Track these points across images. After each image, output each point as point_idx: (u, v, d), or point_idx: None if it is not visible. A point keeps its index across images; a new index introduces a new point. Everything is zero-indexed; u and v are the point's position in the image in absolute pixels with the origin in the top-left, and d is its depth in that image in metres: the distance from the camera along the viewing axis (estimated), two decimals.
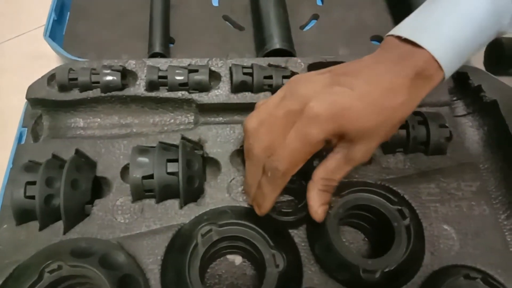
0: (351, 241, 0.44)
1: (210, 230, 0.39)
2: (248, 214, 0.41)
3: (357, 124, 0.34)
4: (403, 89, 0.34)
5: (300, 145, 0.35)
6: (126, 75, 0.51)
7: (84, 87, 0.49)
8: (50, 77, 0.50)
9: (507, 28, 0.37)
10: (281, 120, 0.36)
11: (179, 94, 0.50)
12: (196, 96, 0.49)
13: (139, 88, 0.50)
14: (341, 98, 0.34)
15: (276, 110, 0.36)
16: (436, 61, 0.34)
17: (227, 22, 0.66)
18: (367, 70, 0.35)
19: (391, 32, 0.37)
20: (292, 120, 0.35)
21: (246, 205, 0.43)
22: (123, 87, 0.50)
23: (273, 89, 0.49)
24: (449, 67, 0.35)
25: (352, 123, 0.34)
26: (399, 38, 0.36)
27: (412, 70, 0.34)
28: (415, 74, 0.34)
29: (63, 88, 0.49)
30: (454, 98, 0.53)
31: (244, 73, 0.49)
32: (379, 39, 0.64)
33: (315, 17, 0.66)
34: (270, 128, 0.36)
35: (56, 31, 0.61)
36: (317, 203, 0.38)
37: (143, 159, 0.42)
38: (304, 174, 0.43)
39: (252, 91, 0.49)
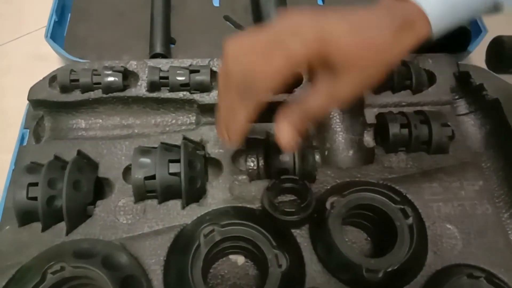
0: (354, 241, 0.44)
1: (212, 231, 0.38)
2: (251, 214, 0.42)
3: (340, 46, 0.33)
4: (388, 30, 0.34)
5: (280, 60, 0.33)
6: (128, 76, 0.51)
7: (86, 88, 0.49)
8: (52, 79, 0.50)
9: (503, 0, 0.38)
10: (263, 43, 0.34)
11: (181, 94, 0.50)
12: (198, 97, 0.49)
13: (140, 89, 0.50)
14: (327, 22, 0.33)
15: (260, 35, 0.34)
16: (425, 15, 0.35)
17: (228, 22, 0.66)
18: (354, 13, 0.35)
19: None
20: (274, 44, 0.33)
21: (248, 206, 0.43)
22: (124, 88, 0.50)
23: None
24: (438, 24, 0.35)
25: (335, 45, 0.33)
26: None
27: (400, 18, 0.34)
28: (402, 21, 0.34)
29: (64, 89, 0.49)
30: (456, 97, 0.52)
31: None
32: None
33: None
34: (251, 50, 0.34)
35: (57, 32, 0.61)
36: (286, 127, 0.35)
37: (145, 160, 0.42)
38: (306, 175, 0.43)
39: None
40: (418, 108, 0.49)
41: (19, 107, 0.51)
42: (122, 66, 0.50)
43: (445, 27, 0.36)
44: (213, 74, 0.50)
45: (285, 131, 0.36)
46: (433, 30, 0.35)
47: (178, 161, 0.42)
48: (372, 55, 0.34)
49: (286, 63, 0.33)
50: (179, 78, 0.49)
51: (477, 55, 0.63)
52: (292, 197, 0.43)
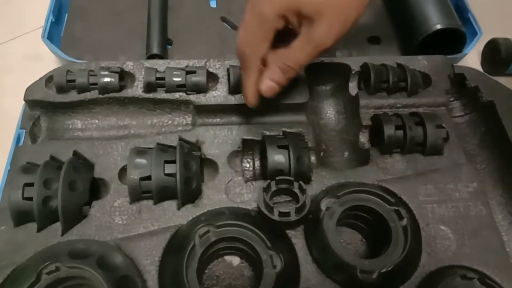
0: (349, 242, 0.44)
1: (207, 231, 0.39)
2: (246, 215, 0.42)
3: None
4: None
5: (256, 24, 0.37)
6: (124, 76, 0.51)
7: (82, 89, 0.49)
8: (48, 79, 0.50)
9: None
10: (245, 14, 0.39)
11: (177, 95, 0.50)
12: (194, 98, 0.49)
13: (136, 90, 0.50)
14: None
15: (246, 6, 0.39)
16: None
17: (224, 24, 0.66)
18: None
19: None
20: (250, 13, 0.38)
21: (243, 206, 0.43)
22: (120, 88, 0.50)
23: None
24: None
25: None
26: None
27: None
28: None
29: (61, 89, 0.49)
30: (451, 99, 0.53)
31: None
32: (376, 40, 0.64)
33: None
34: (243, 22, 0.39)
35: (54, 33, 0.61)
36: (267, 74, 0.40)
37: (141, 161, 0.43)
38: (301, 176, 0.43)
39: None
40: (413, 109, 0.49)
41: (16, 107, 0.51)
42: (118, 67, 0.50)
43: None
44: (209, 75, 0.50)
45: (265, 84, 0.40)
46: None
47: (174, 162, 0.42)
48: (339, 2, 0.36)
49: (261, 26, 0.37)
50: (175, 79, 0.49)
51: (472, 57, 0.64)
52: (287, 198, 0.43)
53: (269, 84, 0.40)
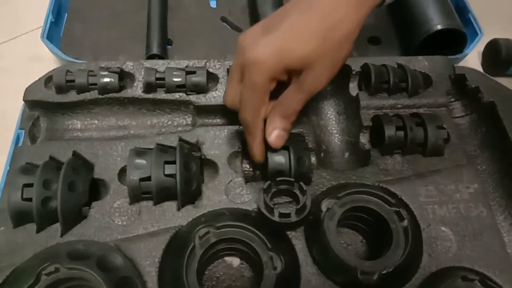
0: (349, 243, 0.44)
1: (207, 232, 0.38)
2: (246, 216, 0.42)
3: (294, 55, 0.36)
4: (340, 8, 0.37)
5: (251, 92, 0.38)
6: (124, 76, 0.51)
7: (82, 89, 0.49)
8: (47, 79, 0.50)
9: None
10: (235, 75, 0.40)
11: (177, 95, 0.50)
12: (194, 98, 0.49)
13: (136, 90, 0.50)
14: (272, 39, 0.37)
15: (231, 67, 0.41)
16: None
17: (224, 24, 0.66)
18: (295, 9, 0.38)
19: None
20: (242, 72, 0.39)
21: (243, 207, 0.43)
22: (120, 89, 0.50)
23: None
24: None
25: (289, 58, 0.36)
26: None
27: None
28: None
29: (60, 90, 0.49)
30: (452, 100, 0.53)
31: None
32: (376, 40, 0.64)
33: None
34: (230, 83, 0.41)
35: (53, 33, 0.61)
36: (271, 126, 0.41)
37: (141, 161, 0.42)
38: (302, 177, 0.43)
39: None
40: (414, 110, 0.49)
41: (15, 107, 0.51)
42: (118, 67, 0.50)
43: None
44: (209, 75, 0.50)
45: (273, 135, 0.41)
46: None
47: (173, 162, 0.42)
48: (325, 42, 0.37)
49: (256, 94, 0.38)
50: (175, 79, 0.49)
51: (472, 58, 0.64)
52: (288, 199, 0.43)
53: (276, 134, 0.41)
